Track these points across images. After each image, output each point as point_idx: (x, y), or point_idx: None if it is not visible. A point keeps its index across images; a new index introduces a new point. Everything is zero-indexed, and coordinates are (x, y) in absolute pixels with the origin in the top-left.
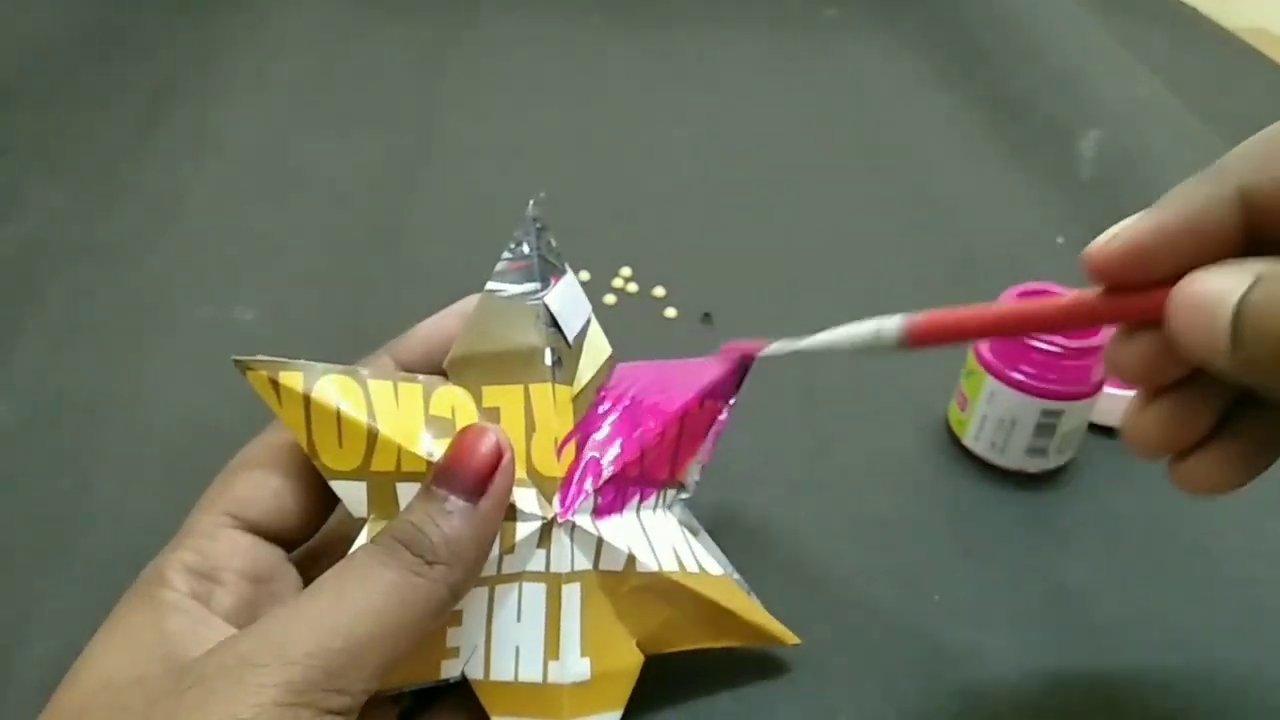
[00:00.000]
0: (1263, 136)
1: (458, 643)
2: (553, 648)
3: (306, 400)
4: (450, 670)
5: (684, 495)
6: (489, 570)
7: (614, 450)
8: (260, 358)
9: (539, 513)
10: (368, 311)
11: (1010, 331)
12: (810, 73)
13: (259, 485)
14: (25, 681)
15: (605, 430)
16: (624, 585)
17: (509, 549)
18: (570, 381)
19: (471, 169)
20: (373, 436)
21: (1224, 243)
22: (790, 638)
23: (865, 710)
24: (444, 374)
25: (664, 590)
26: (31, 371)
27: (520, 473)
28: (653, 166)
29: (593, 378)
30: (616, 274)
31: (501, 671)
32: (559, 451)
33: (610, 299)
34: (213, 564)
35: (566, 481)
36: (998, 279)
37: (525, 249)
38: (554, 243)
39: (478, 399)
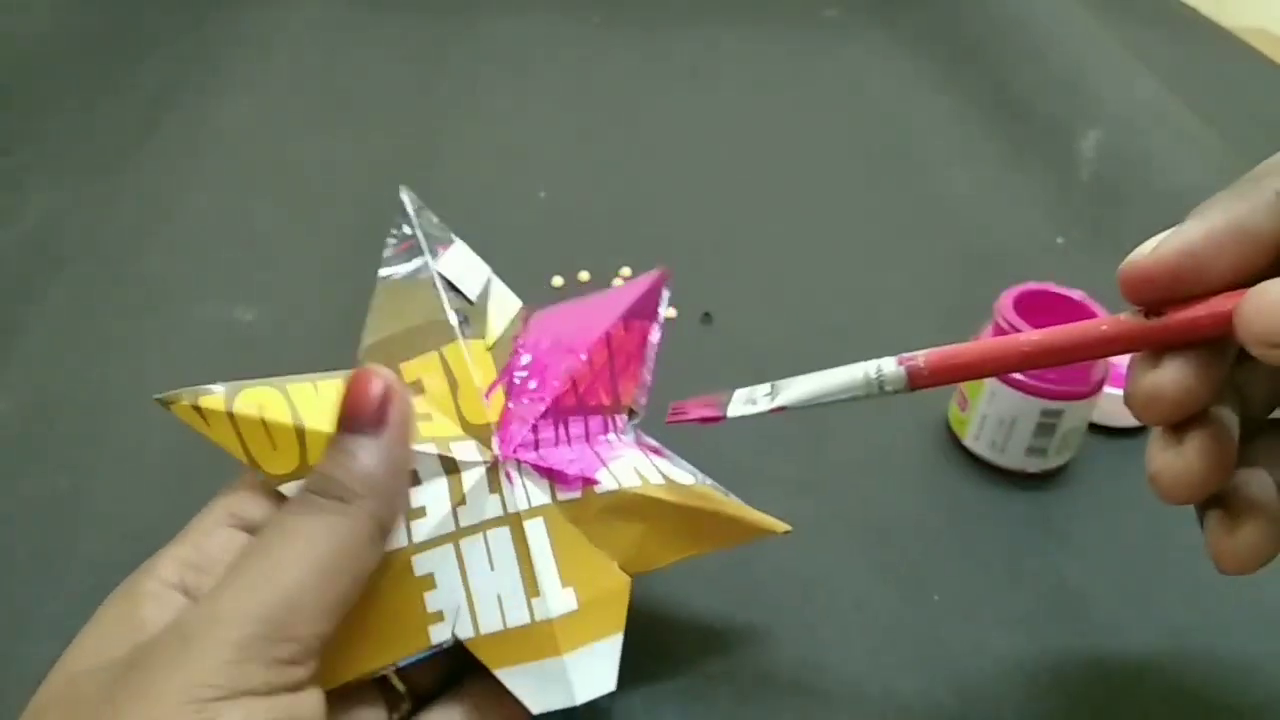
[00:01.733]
0: None
1: (440, 606)
2: (531, 586)
3: (231, 417)
4: (439, 634)
5: (636, 420)
6: (446, 528)
7: (541, 386)
8: (179, 390)
9: (479, 458)
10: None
11: (1041, 363)
12: (810, 73)
13: (259, 488)
14: (25, 681)
15: (528, 372)
16: (588, 510)
17: (460, 501)
18: (483, 336)
19: (471, 169)
20: (301, 433)
21: (1267, 250)
22: (779, 526)
23: (865, 710)
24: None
25: (631, 507)
26: (31, 371)
27: (455, 429)
28: (653, 166)
29: (506, 328)
30: (616, 274)
31: (489, 623)
32: (486, 398)
33: None
34: (205, 557)
35: (502, 425)
36: (998, 279)
37: (407, 230)
38: (435, 219)
39: (399, 377)
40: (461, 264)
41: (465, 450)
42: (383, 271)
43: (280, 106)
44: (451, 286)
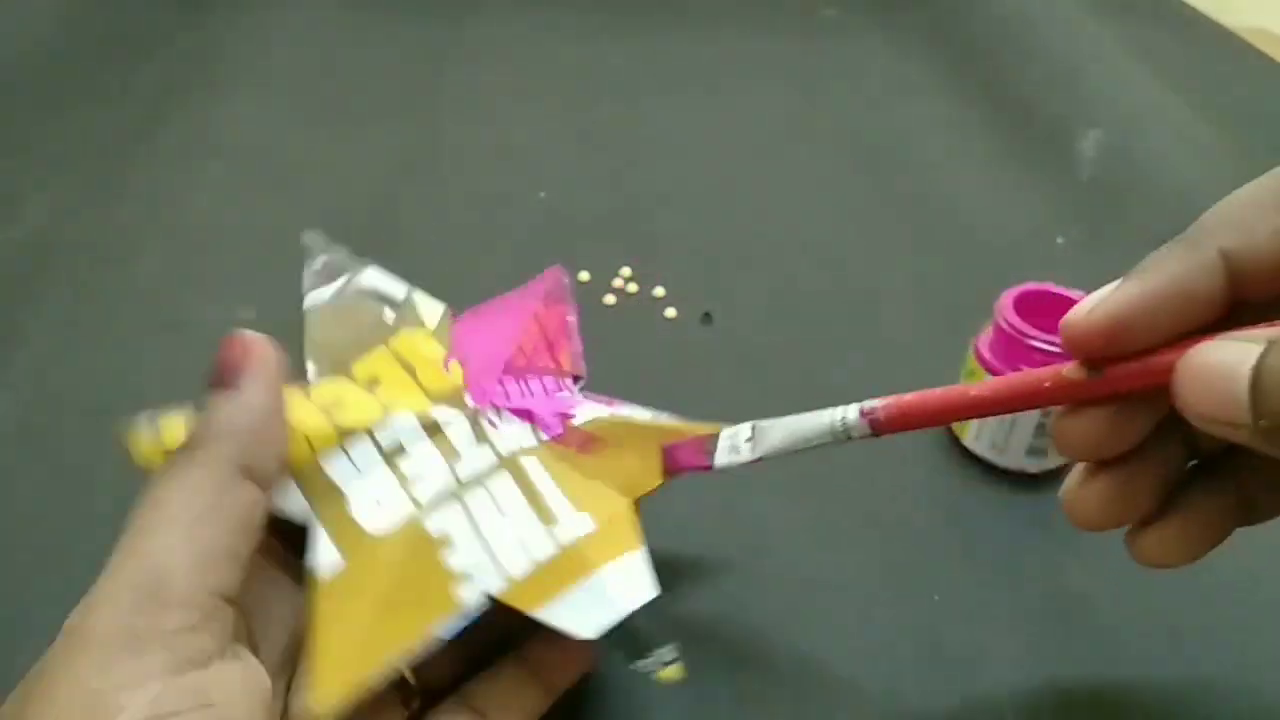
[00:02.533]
0: (1240, 198)
1: (461, 565)
2: (547, 517)
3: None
4: (469, 596)
5: (581, 384)
6: (449, 485)
7: (500, 349)
8: (138, 422)
9: (458, 412)
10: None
11: (988, 411)
12: (810, 73)
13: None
14: None
15: (479, 346)
16: (572, 445)
17: (453, 455)
18: (419, 325)
19: (471, 169)
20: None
21: (1208, 309)
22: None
23: (865, 710)
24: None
25: (610, 436)
26: (31, 371)
27: (425, 401)
28: (652, 166)
29: (439, 322)
30: (616, 274)
31: (516, 568)
32: (446, 368)
33: (610, 299)
34: None
35: (469, 385)
36: (998, 279)
37: (320, 261)
38: (346, 251)
39: (348, 377)
40: (380, 279)
41: (442, 412)
42: (307, 303)
43: (280, 106)
44: (377, 294)
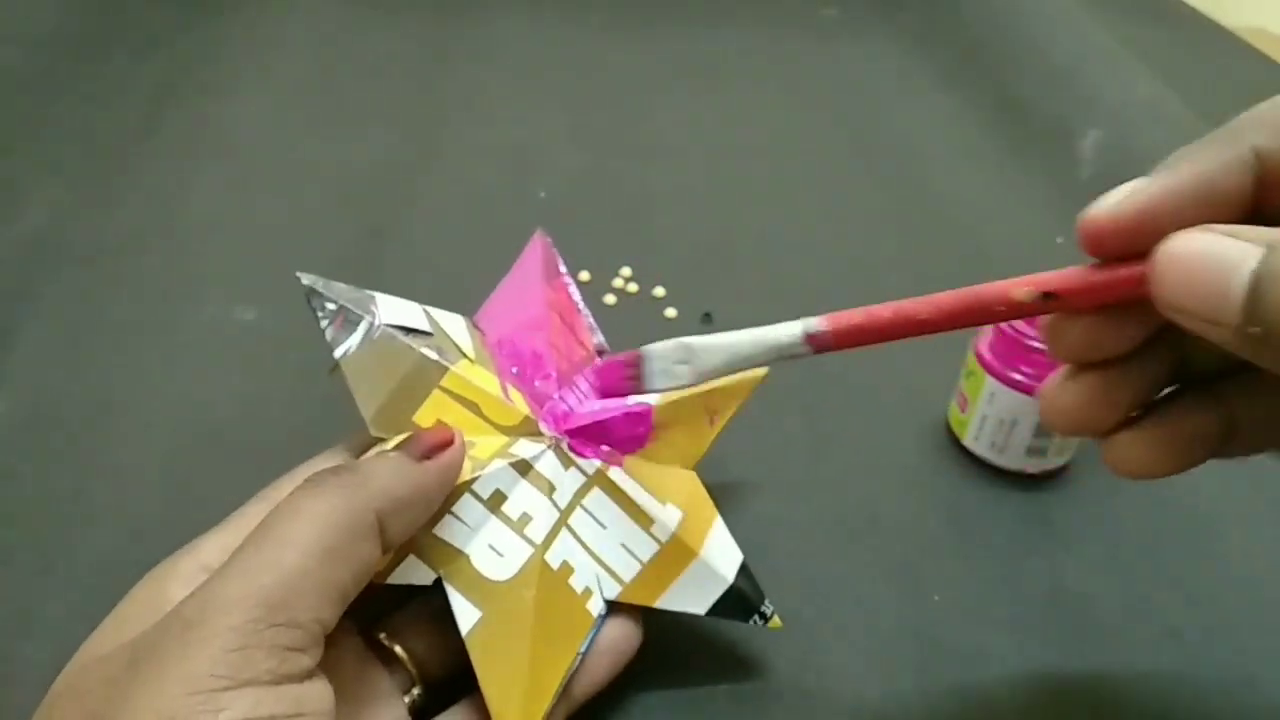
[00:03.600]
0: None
1: (584, 584)
2: (644, 520)
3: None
4: (596, 607)
5: (606, 357)
6: (554, 517)
7: (535, 367)
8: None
9: (542, 445)
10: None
11: (934, 329)
12: (810, 73)
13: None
14: (25, 681)
15: (515, 364)
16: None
17: (549, 488)
18: (459, 355)
19: (471, 169)
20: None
21: (1231, 210)
22: (760, 372)
23: (865, 710)
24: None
25: (661, 420)
26: (31, 371)
27: (501, 438)
28: (653, 166)
29: (472, 342)
30: (616, 274)
31: (627, 571)
32: (506, 397)
33: (610, 299)
34: None
35: (537, 412)
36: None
37: (330, 306)
38: (343, 285)
39: (417, 431)
40: (396, 309)
41: (524, 447)
42: (337, 352)
43: (281, 106)
44: (404, 329)
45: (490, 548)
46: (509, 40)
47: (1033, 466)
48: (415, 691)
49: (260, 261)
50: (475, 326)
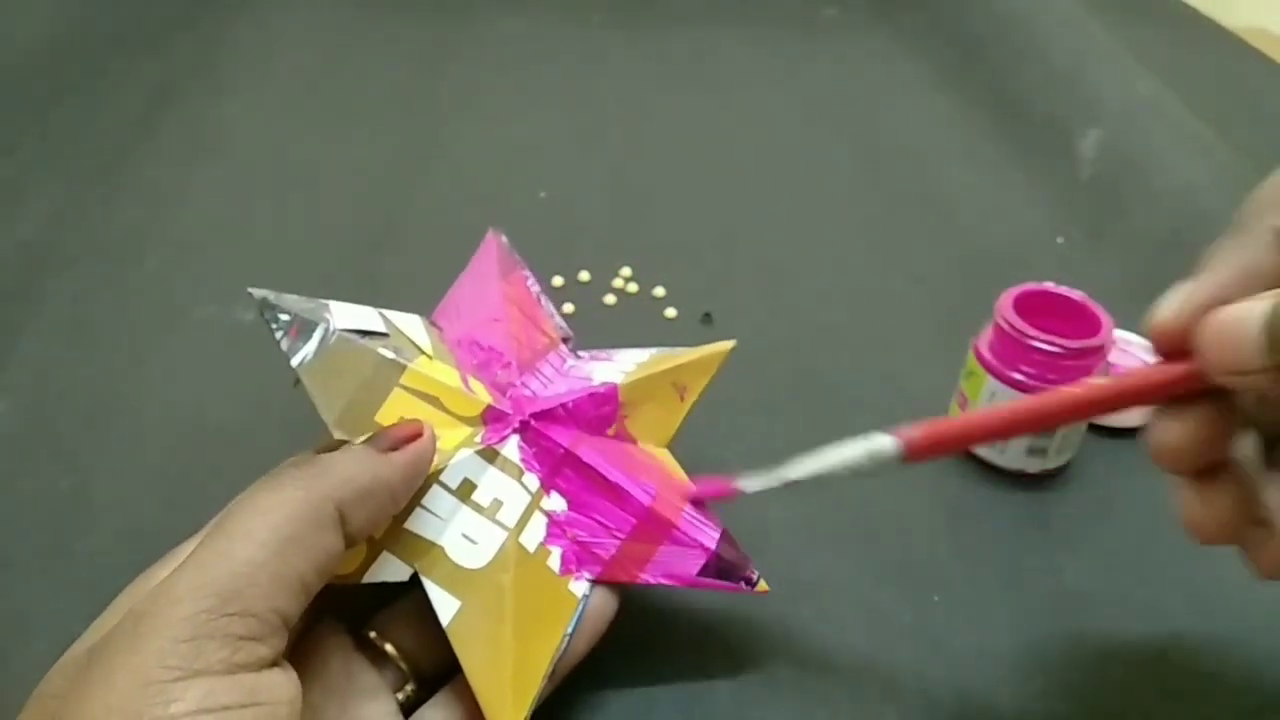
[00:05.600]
0: None
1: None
2: (615, 495)
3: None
4: (579, 587)
5: (572, 345)
6: (525, 500)
7: (495, 356)
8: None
9: (506, 430)
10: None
11: (1026, 429)
12: (810, 73)
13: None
14: (25, 681)
15: (474, 356)
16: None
17: (518, 471)
18: (418, 352)
19: (471, 169)
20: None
21: (1272, 285)
22: (726, 345)
23: (865, 710)
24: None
25: (631, 399)
26: (31, 371)
27: (464, 429)
28: (653, 166)
29: (429, 339)
30: (616, 274)
31: (606, 550)
32: (467, 388)
33: (610, 299)
34: None
35: (499, 397)
36: (998, 279)
37: (284, 317)
38: (296, 297)
39: (376, 427)
40: (351, 314)
41: (490, 435)
42: (294, 360)
43: (280, 106)
44: (360, 332)
45: (464, 537)
46: (509, 40)
47: (1033, 466)
48: (409, 688)
49: (260, 262)
50: (433, 324)
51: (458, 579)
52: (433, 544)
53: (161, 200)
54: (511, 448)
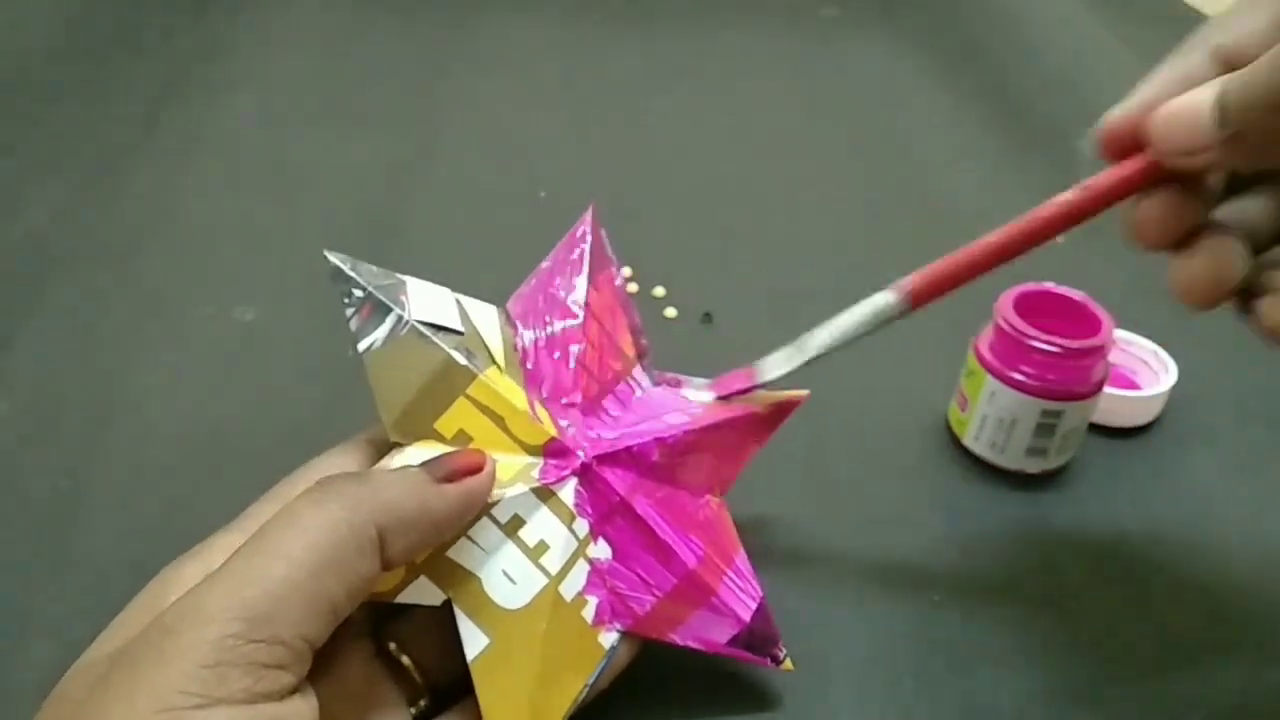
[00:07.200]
0: (1231, 7)
1: (600, 615)
2: (660, 551)
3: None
4: (608, 639)
5: (647, 360)
6: (571, 547)
7: (560, 387)
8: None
9: (565, 469)
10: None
11: (1012, 254)
12: (810, 72)
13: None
14: (25, 681)
15: (544, 379)
16: (667, 464)
17: (570, 516)
18: (490, 360)
19: (471, 169)
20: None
21: None
22: (800, 394)
23: (865, 710)
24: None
25: (688, 447)
26: (31, 371)
27: (524, 457)
28: (653, 166)
29: (503, 340)
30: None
31: (642, 605)
32: (534, 415)
33: None
34: None
35: (563, 434)
36: (998, 279)
37: (358, 293)
38: (374, 268)
39: (439, 438)
40: (428, 301)
41: (548, 472)
42: (361, 344)
43: (280, 106)
44: (435, 326)
45: (504, 574)
46: (508, 40)
47: (1033, 466)
48: (422, 703)
49: (260, 261)
50: (509, 321)
51: (491, 616)
52: (472, 575)
53: (162, 200)
54: (568, 491)
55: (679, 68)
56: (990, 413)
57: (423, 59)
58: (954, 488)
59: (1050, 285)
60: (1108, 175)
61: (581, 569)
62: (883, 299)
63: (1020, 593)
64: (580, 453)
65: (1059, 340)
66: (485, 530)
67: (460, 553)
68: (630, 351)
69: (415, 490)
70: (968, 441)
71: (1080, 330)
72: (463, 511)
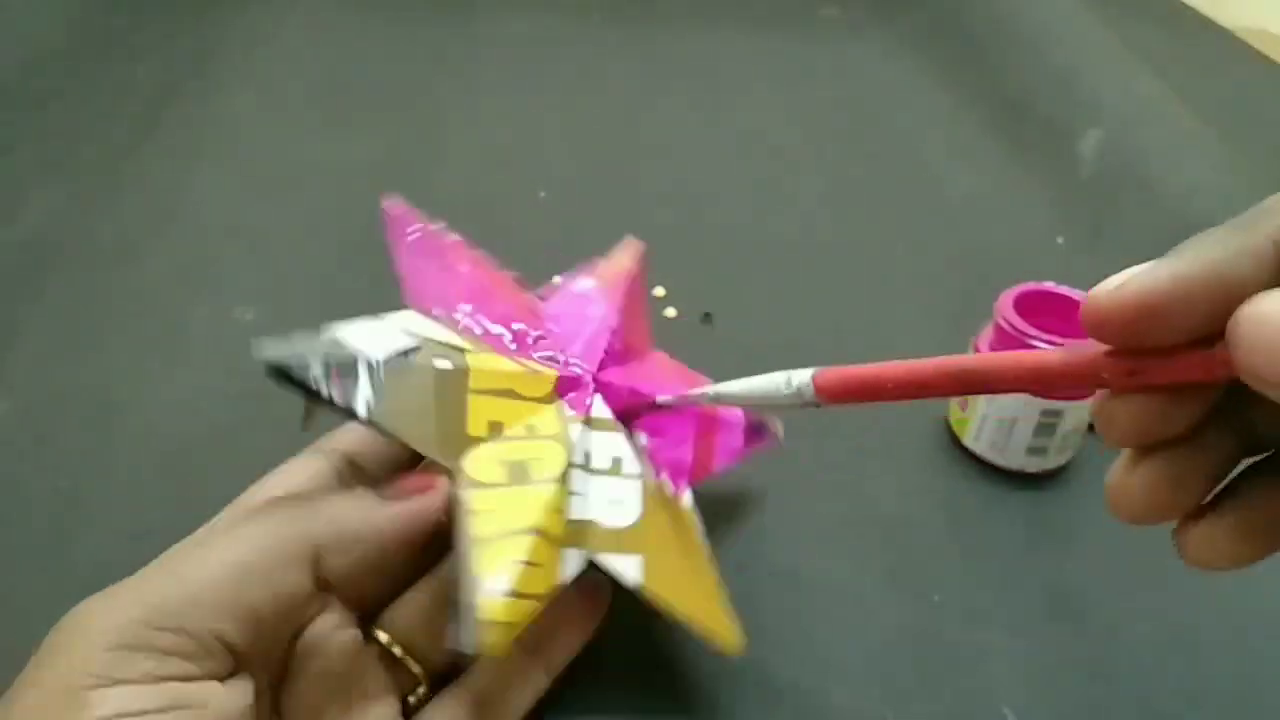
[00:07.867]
0: None
1: (690, 503)
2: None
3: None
4: (687, 501)
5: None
6: (631, 449)
7: (523, 333)
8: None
9: (584, 395)
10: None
11: (961, 390)
12: (810, 72)
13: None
14: None
15: (493, 331)
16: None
17: (615, 426)
18: (455, 349)
19: (471, 169)
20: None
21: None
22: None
23: (865, 710)
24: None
25: (623, 320)
26: (31, 371)
27: (550, 409)
28: (652, 166)
29: (449, 331)
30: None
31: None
32: (528, 369)
33: None
34: None
35: (559, 369)
36: (998, 279)
37: (315, 369)
38: (297, 332)
39: (478, 442)
40: (369, 335)
41: (575, 404)
42: (359, 409)
43: (280, 106)
44: (398, 353)
45: (610, 502)
46: (508, 40)
47: (1033, 466)
48: (420, 690)
49: (260, 261)
50: (428, 314)
51: (624, 541)
52: (588, 522)
53: (162, 200)
54: (600, 407)
55: (679, 68)
56: (990, 413)
57: (423, 59)
58: (954, 488)
59: (1050, 285)
60: (1092, 358)
61: (644, 459)
62: (799, 377)
63: (1020, 593)
64: (582, 373)
65: (1059, 340)
66: (575, 479)
67: (572, 510)
68: (509, 277)
69: (360, 509)
70: (968, 441)
71: (1080, 330)
72: (408, 529)
